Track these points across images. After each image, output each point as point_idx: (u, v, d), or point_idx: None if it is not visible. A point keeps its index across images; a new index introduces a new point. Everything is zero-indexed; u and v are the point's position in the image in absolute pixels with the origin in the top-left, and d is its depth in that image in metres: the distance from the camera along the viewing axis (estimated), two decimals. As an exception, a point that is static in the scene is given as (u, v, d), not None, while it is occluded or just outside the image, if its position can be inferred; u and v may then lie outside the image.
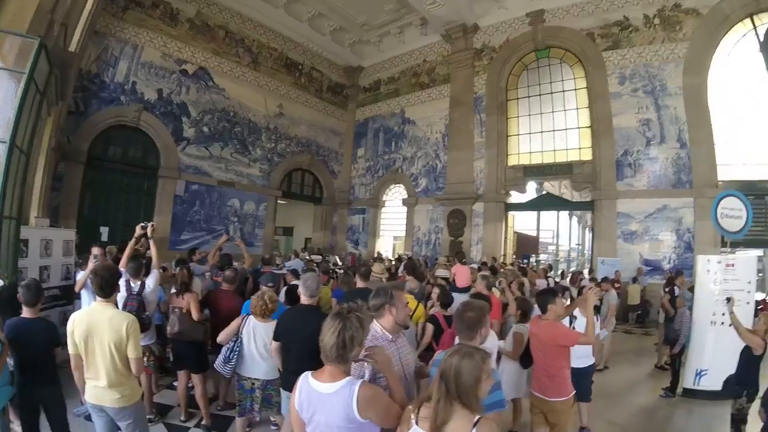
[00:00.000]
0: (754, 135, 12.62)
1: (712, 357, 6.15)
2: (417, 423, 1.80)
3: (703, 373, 6.28)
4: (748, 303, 6.27)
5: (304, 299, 3.55)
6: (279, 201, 17.23)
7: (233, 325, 3.98)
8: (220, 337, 3.97)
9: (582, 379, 4.57)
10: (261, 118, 16.27)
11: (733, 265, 6.51)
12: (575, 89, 14.29)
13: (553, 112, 14.50)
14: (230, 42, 15.35)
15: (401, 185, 17.60)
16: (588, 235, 15.55)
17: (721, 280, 6.40)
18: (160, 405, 4.97)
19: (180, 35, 13.82)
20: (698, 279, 6.76)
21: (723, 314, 5.96)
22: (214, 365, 4.02)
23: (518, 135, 15.07)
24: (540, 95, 14.76)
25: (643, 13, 13.68)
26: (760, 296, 10.18)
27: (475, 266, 10.81)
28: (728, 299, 5.27)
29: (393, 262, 12.78)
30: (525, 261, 15.02)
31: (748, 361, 4.49)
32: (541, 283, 9.03)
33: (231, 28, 15.37)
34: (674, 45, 13.25)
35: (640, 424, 5.41)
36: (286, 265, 9.91)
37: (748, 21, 13.50)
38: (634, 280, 11.95)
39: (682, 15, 13.40)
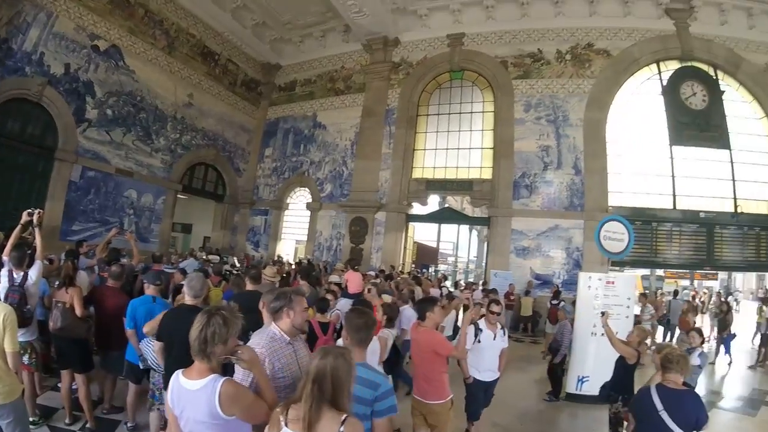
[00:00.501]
0: (645, 167, 13.75)
1: (593, 365, 6.55)
2: (287, 425, 1.82)
3: (585, 379, 6.72)
4: (627, 317, 6.82)
5: (187, 299, 3.60)
6: (179, 195, 15.98)
7: (159, 317, 3.82)
8: (146, 328, 3.90)
9: (488, 390, 4.79)
10: (169, 106, 15.18)
11: (613, 282, 7.03)
12: (483, 112, 14.82)
13: (459, 131, 14.90)
14: (148, 22, 14.31)
15: (306, 189, 17.07)
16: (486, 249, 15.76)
17: (602, 296, 6.88)
18: (45, 407, 4.67)
19: (98, 8, 12.63)
20: (579, 294, 7.21)
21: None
22: (149, 363, 3.99)
23: (425, 149, 15.27)
24: (449, 114, 15.14)
25: (557, 48, 14.57)
26: (638, 311, 10.63)
27: (373, 273, 11.13)
28: (602, 313, 5.51)
29: (293, 266, 12.60)
30: (423, 270, 15.36)
31: (623, 369, 4.76)
32: (434, 292, 9.33)
33: (151, 7, 14.36)
34: (581, 80, 14.18)
35: (527, 427, 5.69)
36: (181, 264, 9.61)
37: (654, 66, 14.47)
38: (527, 292, 12.46)
39: (593, 54, 14.37)
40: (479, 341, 4.57)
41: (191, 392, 1.95)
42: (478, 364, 4.60)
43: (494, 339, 4.66)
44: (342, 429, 1.74)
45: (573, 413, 6.36)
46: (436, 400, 3.75)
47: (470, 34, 15.08)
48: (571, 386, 6.87)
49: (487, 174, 14.25)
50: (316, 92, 17.35)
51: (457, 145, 14.78)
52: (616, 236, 7.68)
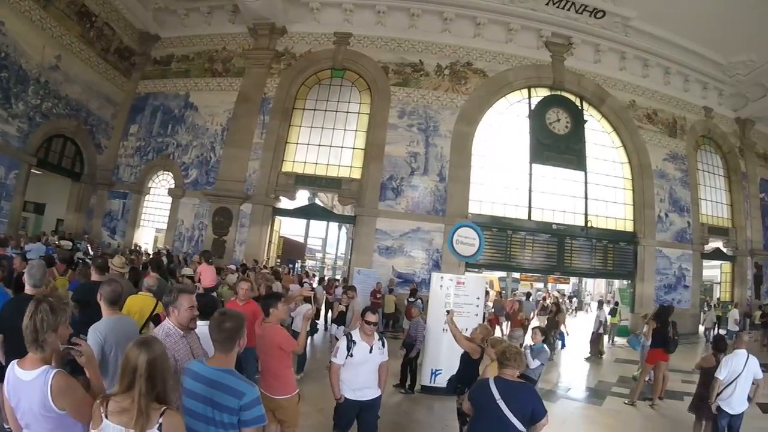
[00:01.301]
0: (505, 181, 14.83)
1: (446, 359, 6.85)
2: (107, 417, 1.78)
3: (438, 372, 7.11)
4: (477, 315, 7.39)
5: (27, 288, 3.53)
6: (33, 170, 14.07)
7: None
8: None
9: (365, 413, 4.06)
10: (34, 67, 13.23)
11: (463, 283, 7.51)
12: (358, 113, 14.92)
13: (333, 128, 14.80)
14: (26, -34, 12.67)
15: (170, 173, 15.73)
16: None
17: (453, 295, 7.33)
18: None
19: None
20: (432, 293, 7.65)
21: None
22: None
23: (297, 143, 14.88)
24: (325, 111, 14.95)
25: (437, 62, 15.13)
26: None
27: (233, 267, 10.96)
28: (447, 312, 5.83)
29: (151, 256, 11.42)
30: (290, 266, 15.24)
31: (467, 363, 5.03)
32: (294, 288, 9.26)
33: (31, -50, 12.74)
34: (456, 95, 14.85)
35: (384, 419, 5.56)
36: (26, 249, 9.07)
37: (526, 91, 15.40)
38: (390, 290, 12.60)
39: (471, 73, 15.09)
40: (351, 355, 3.95)
41: (25, 383, 1.94)
42: (351, 382, 3.98)
43: (370, 352, 4.01)
44: (161, 420, 1.76)
45: (429, 405, 6.66)
46: (283, 395, 3.71)
47: (357, 36, 15.14)
48: (425, 379, 7.24)
49: (356, 174, 14.35)
50: (192, 70, 16.12)
51: (330, 142, 14.64)
52: (468, 241, 8.22)
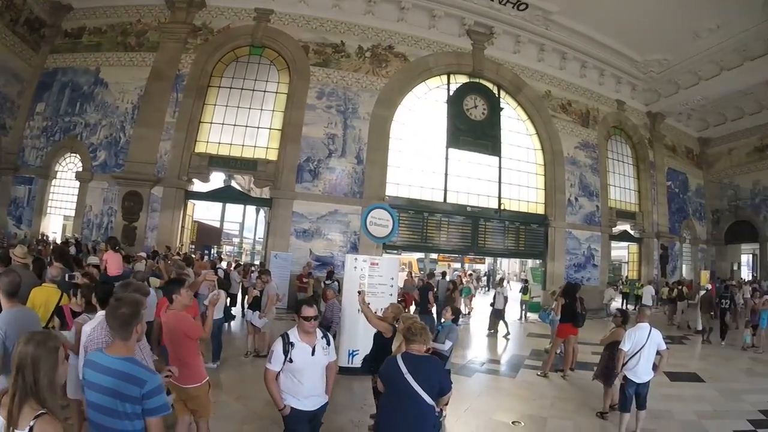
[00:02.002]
0: (422, 164, 15.18)
1: (362, 339, 6.85)
2: None
3: (355, 353, 7.18)
4: (391, 295, 7.55)
5: None
6: None
7: None
8: None
9: (314, 420, 3.50)
10: None
11: (377, 264, 7.63)
12: (276, 92, 14.62)
13: (250, 108, 14.42)
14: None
15: (77, 155, 14.66)
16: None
17: (367, 276, 7.46)
18: None
19: None
20: (347, 274, 7.71)
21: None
22: None
23: (211, 123, 14.31)
24: (242, 89, 14.52)
25: (359, 44, 15.15)
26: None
27: (144, 254, 10.37)
28: (359, 292, 5.98)
29: (56, 246, 10.97)
30: (206, 252, 14.85)
31: (381, 343, 5.13)
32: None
33: None
34: (376, 78, 14.94)
35: None
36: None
37: (445, 77, 15.69)
38: (309, 274, 12.41)
39: (392, 56, 15.19)
40: (291, 360, 3.21)
41: None
42: (295, 391, 3.25)
43: (313, 354, 3.29)
44: (32, 423, 1.65)
45: (347, 385, 6.60)
46: (192, 384, 3.59)
47: (279, 13, 14.79)
48: (343, 360, 7.13)
49: (272, 155, 14.08)
50: (104, 44, 14.95)
51: (245, 122, 14.22)
52: (382, 222, 8.25)
